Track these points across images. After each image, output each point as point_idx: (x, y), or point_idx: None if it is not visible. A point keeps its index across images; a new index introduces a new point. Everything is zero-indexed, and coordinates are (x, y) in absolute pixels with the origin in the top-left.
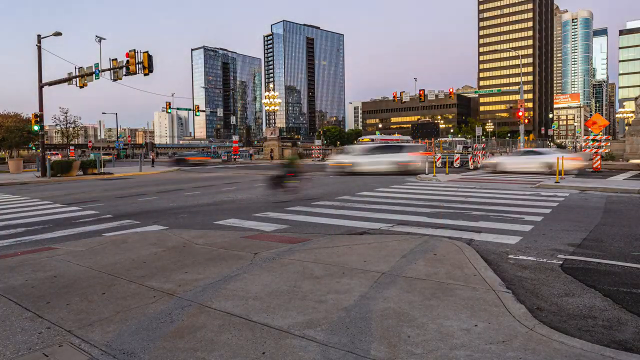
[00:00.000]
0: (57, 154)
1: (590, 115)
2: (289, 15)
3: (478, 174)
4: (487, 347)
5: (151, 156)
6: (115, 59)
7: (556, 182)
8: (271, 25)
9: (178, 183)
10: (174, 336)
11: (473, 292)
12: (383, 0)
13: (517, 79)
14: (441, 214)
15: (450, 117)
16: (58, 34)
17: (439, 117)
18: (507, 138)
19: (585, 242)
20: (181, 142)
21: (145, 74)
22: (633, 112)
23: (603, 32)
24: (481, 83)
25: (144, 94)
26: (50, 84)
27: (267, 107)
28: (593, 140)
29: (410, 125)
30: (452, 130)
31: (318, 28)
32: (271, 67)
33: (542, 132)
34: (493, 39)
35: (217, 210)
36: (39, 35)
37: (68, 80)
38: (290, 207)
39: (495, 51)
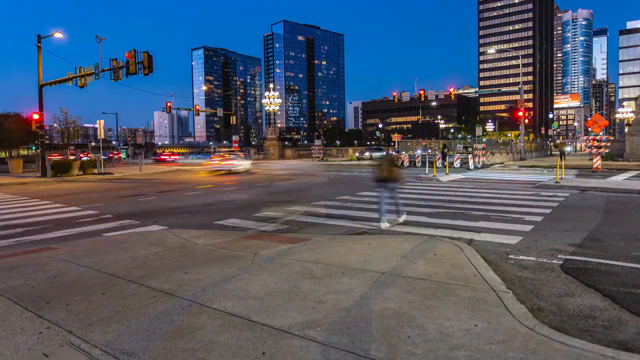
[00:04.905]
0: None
1: (591, 115)
2: (289, 15)
3: (478, 174)
4: (487, 347)
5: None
6: (115, 59)
7: (556, 182)
8: (271, 25)
9: (178, 183)
10: (174, 336)
11: (473, 292)
12: (383, 1)
13: (517, 79)
14: (441, 214)
15: (450, 117)
16: (58, 34)
17: (439, 117)
18: (507, 137)
19: (585, 242)
20: (181, 142)
21: (146, 74)
22: (633, 112)
23: (603, 32)
24: (481, 83)
25: (144, 94)
26: (50, 84)
27: (267, 107)
28: (594, 140)
29: (410, 125)
30: (452, 131)
31: (318, 28)
32: (271, 67)
33: (542, 132)
34: (493, 39)
35: (217, 210)
36: (39, 35)
37: (68, 80)
38: (290, 207)
39: (495, 51)
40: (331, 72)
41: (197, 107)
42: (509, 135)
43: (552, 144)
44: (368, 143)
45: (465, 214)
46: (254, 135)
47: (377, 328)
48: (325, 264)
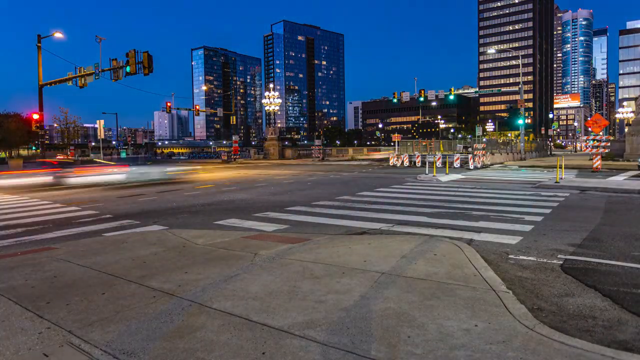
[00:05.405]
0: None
1: (591, 115)
2: (289, 15)
3: (478, 174)
4: (487, 347)
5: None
6: (115, 59)
7: (556, 182)
8: (271, 25)
9: (178, 183)
10: (174, 336)
11: (473, 292)
12: (383, 1)
13: (517, 79)
14: (441, 214)
15: (450, 117)
16: (58, 34)
17: (439, 117)
18: (507, 137)
19: (585, 242)
20: (181, 142)
21: (146, 74)
22: (633, 112)
23: (603, 32)
24: (481, 83)
25: (144, 94)
26: (50, 84)
27: (267, 107)
28: (594, 140)
29: (410, 125)
30: (452, 131)
31: (318, 28)
32: (271, 67)
33: (543, 132)
34: (493, 39)
35: (217, 210)
36: (39, 35)
37: (68, 80)
38: (291, 207)
39: (495, 51)
40: (331, 72)
41: (197, 107)
42: (509, 135)
43: (552, 144)
44: (368, 143)
45: (465, 214)
46: (254, 135)
47: (377, 328)
48: (325, 264)
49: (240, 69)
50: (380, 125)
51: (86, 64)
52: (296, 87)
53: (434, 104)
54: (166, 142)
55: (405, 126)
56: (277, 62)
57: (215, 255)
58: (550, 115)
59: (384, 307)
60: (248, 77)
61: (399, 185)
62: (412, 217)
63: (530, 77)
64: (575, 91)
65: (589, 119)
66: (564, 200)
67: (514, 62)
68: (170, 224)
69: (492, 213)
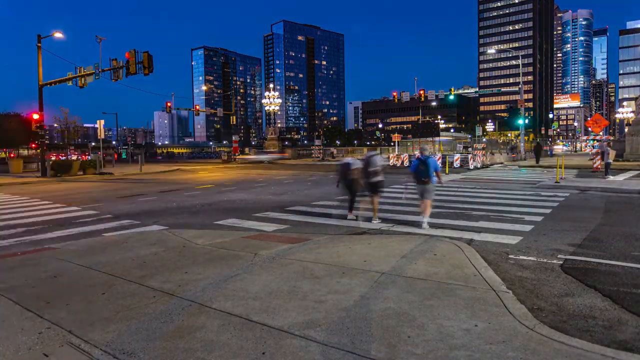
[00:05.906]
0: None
1: (591, 115)
2: (289, 15)
3: (478, 174)
4: (487, 347)
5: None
6: (115, 59)
7: (556, 182)
8: (271, 25)
9: (178, 183)
10: (174, 336)
11: (473, 292)
12: (383, 1)
13: (517, 79)
14: (441, 214)
15: (450, 117)
16: (58, 34)
17: (439, 117)
18: (507, 137)
19: (585, 242)
20: (181, 142)
21: (146, 74)
22: (633, 112)
23: (603, 32)
24: (481, 83)
25: (144, 94)
26: (51, 84)
27: (267, 107)
28: (594, 140)
29: (410, 125)
30: (452, 131)
31: (318, 28)
32: (271, 67)
33: (543, 132)
34: (493, 39)
35: (217, 210)
36: (39, 35)
37: (68, 80)
38: (291, 207)
39: (495, 51)
40: (331, 72)
41: (197, 107)
42: (509, 135)
43: (552, 144)
44: (368, 143)
45: (465, 214)
46: (254, 135)
47: (377, 328)
48: (325, 263)
49: (240, 69)
50: (380, 125)
51: (86, 64)
52: (296, 87)
53: (433, 104)
54: (166, 142)
55: (405, 126)
56: (277, 62)
57: (215, 255)
58: (550, 115)
59: (384, 307)
60: (248, 77)
61: (399, 185)
62: (412, 217)
63: (530, 77)
64: (575, 91)
65: (589, 119)
66: (564, 200)
67: (514, 62)
68: (170, 224)
69: (492, 213)
